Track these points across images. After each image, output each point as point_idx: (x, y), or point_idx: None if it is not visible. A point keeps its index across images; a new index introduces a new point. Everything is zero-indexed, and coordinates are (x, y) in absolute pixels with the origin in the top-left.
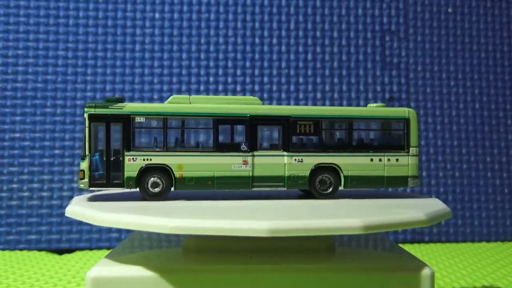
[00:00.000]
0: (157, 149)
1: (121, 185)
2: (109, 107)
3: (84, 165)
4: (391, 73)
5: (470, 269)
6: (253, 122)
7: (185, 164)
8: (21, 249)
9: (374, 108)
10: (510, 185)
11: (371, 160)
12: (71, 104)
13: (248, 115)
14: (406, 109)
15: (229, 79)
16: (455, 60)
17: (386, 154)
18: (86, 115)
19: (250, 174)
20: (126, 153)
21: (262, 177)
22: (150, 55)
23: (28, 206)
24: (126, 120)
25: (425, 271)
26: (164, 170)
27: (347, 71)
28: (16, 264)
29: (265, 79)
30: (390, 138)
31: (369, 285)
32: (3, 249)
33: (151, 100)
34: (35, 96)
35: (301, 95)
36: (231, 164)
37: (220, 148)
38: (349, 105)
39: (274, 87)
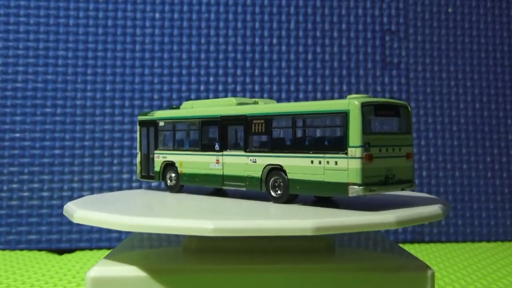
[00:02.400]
0: (170, 149)
1: (154, 178)
2: (148, 114)
3: (137, 160)
4: (391, 73)
5: (470, 269)
6: (223, 123)
7: (183, 161)
8: (21, 249)
9: (314, 102)
10: (510, 185)
11: (312, 162)
12: (71, 104)
13: (219, 116)
14: (348, 100)
15: (229, 79)
16: (455, 60)
17: (326, 155)
18: (138, 121)
19: (221, 173)
20: (155, 152)
21: (229, 176)
22: (150, 55)
23: (28, 206)
24: (155, 124)
25: (425, 271)
26: (174, 167)
27: (347, 71)
28: (16, 264)
29: (265, 79)
30: (329, 136)
31: (369, 285)
32: (3, 249)
33: (151, 100)
34: (35, 96)
35: (301, 95)
36: (209, 162)
37: (203, 148)
38: None
39: (274, 87)
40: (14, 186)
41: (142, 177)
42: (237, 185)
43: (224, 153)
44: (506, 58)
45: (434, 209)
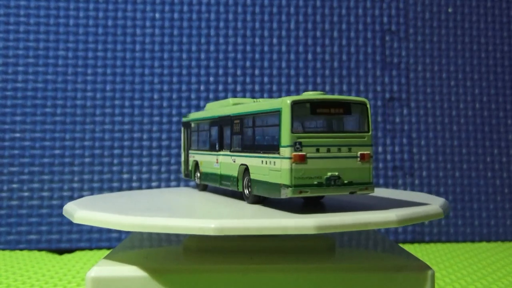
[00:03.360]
0: (195, 148)
1: (190, 176)
2: (187, 116)
3: (181, 159)
4: (391, 73)
5: (470, 269)
6: (220, 123)
7: (201, 161)
8: (21, 249)
9: (265, 101)
10: (510, 185)
11: (262, 162)
12: (71, 104)
13: (218, 117)
14: (282, 98)
15: (229, 79)
16: (455, 60)
17: (269, 156)
18: (181, 122)
19: (219, 172)
20: (189, 151)
21: (223, 175)
22: (150, 55)
23: (28, 206)
24: (189, 126)
25: (425, 271)
26: (198, 166)
27: (347, 71)
28: (16, 264)
29: (265, 79)
30: (271, 136)
31: (369, 285)
32: (3, 249)
33: (151, 100)
34: (35, 96)
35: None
36: (213, 162)
37: (210, 147)
38: None
39: (274, 87)
40: (14, 186)
41: (184, 175)
42: (227, 185)
43: (220, 153)
44: (506, 58)
45: (434, 208)
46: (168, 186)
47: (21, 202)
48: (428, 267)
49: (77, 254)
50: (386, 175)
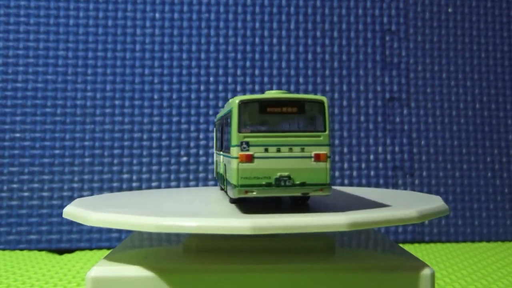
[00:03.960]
0: (214, 148)
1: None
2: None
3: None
4: (391, 73)
5: (470, 269)
6: (221, 123)
7: (215, 160)
8: (21, 249)
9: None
10: (510, 185)
11: (227, 162)
12: (72, 104)
13: (220, 117)
14: (234, 98)
15: (229, 79)
16: (455, 60)
17: (227, 155)
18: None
19: (221, 171)
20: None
21: (221, 175)
22: (150, 55)
23: (28, 206)
24: (215, 125)
25: (425, 271)
26: None
27: (347, 71)
28: (16, 264)
29: (265, 79)
30: (228, 135)
31: (369, 285)
32: (3, 249)
33: (151, 100)
34: (35, 96)
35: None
36: (219, 161)
37: (218, 147)
38: (349, 105)
39: (274, 87)
40: (14, 186)
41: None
42: (222, 183)
43: (220, 152)
44: (506, 58)
45: (442, 205)
46: (168, 186)
47: (21, 202)
48: (428, 267)
49: (77, 254)
50: (386, 175)
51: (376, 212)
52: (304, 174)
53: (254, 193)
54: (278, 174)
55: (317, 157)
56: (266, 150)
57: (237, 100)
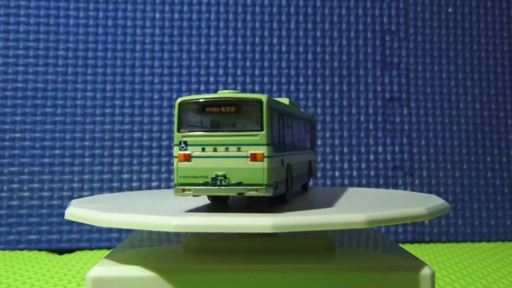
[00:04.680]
0: None
1: None
2: None
3: None
4: (391, 73)
5: (470, 269)
6: None
7: None
8: (21, 249)
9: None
10: (510, 185)
11: None
12: (72, 104)
13: None
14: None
15: (229, 79)
16: (456, 60)
17: None
18: None
19: None
20: None
21: None
22: (150, 55)
23: (28, 206)
24: None
25: (426, 271)
26: None
27: (347, 71)
28: (17, 264)
29: (265, 79)
30: None
31: (369, 285)
32: (3, 249)
33: (151, 100)
34: (35, 96)
35: (301, 95)
36: None
37: None
38: (349, 105)
39: (274, 87)
40: (14, 186)
41: None
42: None
43: None
44: (506, 58)
45: (443, 202)
46: (168, 186)
47: (21, 202)
48: (428, 267)
49: (77, 254)
50: (386, 175)
51: (390, 210)
52: (240, 173)
53: (191, 191)
54: (215, 173)
55: (253, 157)
56: (203, 150)
57: (178, 100)
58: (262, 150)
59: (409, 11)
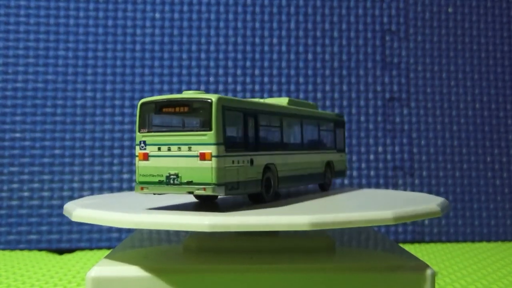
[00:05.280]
0: None
1: None
2: None
3: None
4: (392, 73)
5: (470, 269)
6: None
7: None
8: (21, 249)
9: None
10: (510, 185)
11: None
12: (71, 104)
13: None
14: None
15: (229, 79)
16: (456, 60)
17: None
18: None
19: None
20: None
21: None
22: (150, 55)
23: (29, 206)
24: None
25: (426, 271)
26: None
27: (347, 71)
28: (17, 264)
29: (265, 79)
30: None
31: (369, 285)
32: (4, 249)
33: None
34: (35, 96)
35: (301, 95)
36: None
37: None
38: (349, 105)
39: (274, 87)
40: (14, 186)
41: None
42: None
43: None
44: (506, 58)
45: (444, 200)
46: None
47: (21, 202)
48: (428, 267)
49: (77, 254)
50: (386, 175)
51: (407, 207)
52: (191, 172)
53: (148, 189)
54: (168, 172)
55: (202, 156)
56: (159, 149)
57: (140, 101)
58: (210, 150)
59: (409, 11)
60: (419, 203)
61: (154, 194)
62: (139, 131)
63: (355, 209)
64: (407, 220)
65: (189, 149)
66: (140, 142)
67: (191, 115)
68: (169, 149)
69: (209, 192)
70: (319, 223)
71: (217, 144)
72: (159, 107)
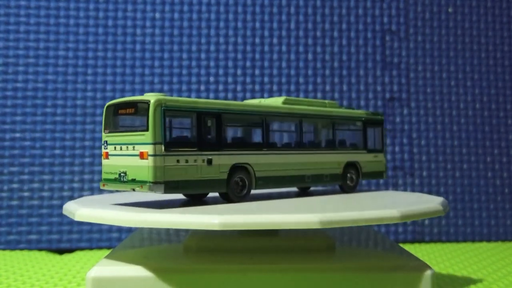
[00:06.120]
0: None
1: None
2: None
3: None
4: (392, 73)
5: (470, 269)
6: None
7: None
8: (21, 249)
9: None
10: (510, 185)
11: None
12: (72, 104)
13: None
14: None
15: (229, 79)
16: (456, 60)
17: None
18: None
19: None
20: None
21: None
22: (151, 55)
23: (29, 206)
24: None
25: (426, 271)
26: None
27: (347, 71)
28: (17, 264)
29: (265, 79)
30: None
31: (369, 285)
32: (4, 249)
33: None
34: (35, 96)
35: (301, 95)
36: None
37: None
38: (350, 105)
39: (274, 87)
40: (14, 186)
41: None
42: None
43: None
44: (506, 58)
45: (443, 200)
46: None
47: (21, 202)
48: (428, 267)
49: (78, 254)
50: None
51: (412, 206)
52: (134, 171)
53: (108, 186)
54: (119, 170)
55: (141, 155)
56: (115, 148)
57: (106, 104)
58: (147, 149)
59: (409, 11)
60: (422, 202)
61: (114, 190)
62: (103, 132)
63: (362, 208)
64: (412, 219)
65: (133, 148)
66: (104, 142)
67: (136, 116)
68: (121, 149)
69: (145, 190)
70: (329, 221)
71: (154, 143)
72: (116, 109)
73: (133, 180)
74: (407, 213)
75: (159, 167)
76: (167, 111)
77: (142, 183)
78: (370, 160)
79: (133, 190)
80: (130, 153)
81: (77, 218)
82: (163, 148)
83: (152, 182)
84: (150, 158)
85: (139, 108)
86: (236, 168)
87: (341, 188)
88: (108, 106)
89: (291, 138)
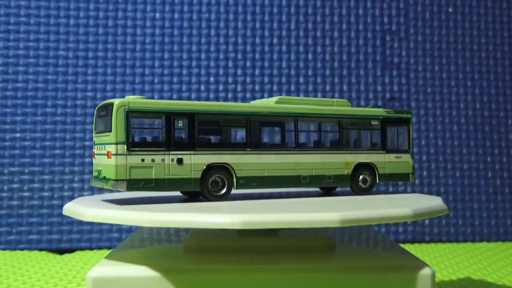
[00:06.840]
0: None
1: None
2: None
3: None
4: (392, 73)
5: (471, 269)
6: None
7: None
8: (21, 249)
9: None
10: (510, 185)
11: None
12: (72, 104)
13: None
14: None
15: (229, 79)
16: (456, 60)
17: None
18: None
19: None
20: None
21: None
22: (151, 55)
23: (29, 206)
24: None
25: (426, 271)
26: None
27: (348, 71)
28: (17, 264)
29: (265, 79)
30: None
31: (369, 285)
32: (4, 249)
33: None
34: (35, 96)
35: (301, 95)
36: None
37: None
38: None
39: (274, 87)
40: (15, 186)
41: None
42: None
43: None
44: (506, 58)
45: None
46: None
47: (21, 202)
48: (428, 267)
49: (78, 254)
50: None
51: (423, 205)
52: (105, 169)
53: (93, 182)
54: (98, 168)
55: (108, 154)
56: (98, 148)
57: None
58: (111, 149)
59: (409, 11)
60: (429, 201)
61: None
62: (93, 133)
63: (374, 208)
64: (424, 217)
65: (104, 148)
66: (93, 142)
67: (106, 118)
68: (99, 148)
69: (108, 187)
70: (349, 219)
71: (116, 143)
72: (98, 111)
73: (105, 178)
74: (419, 212)
75: (120, 165)
76: (131, 113)
77: (109, 180)
78: (391, 161)
79: (107, 188)
80: (102, 153)
81: (86, 218)
82: (125, 147)
83: (114, 180)
84: (113, 157)
85: (108, 110)
86: (214, 168)
87: (352, 189)
88: (96, 108)
89: (280, 137)
